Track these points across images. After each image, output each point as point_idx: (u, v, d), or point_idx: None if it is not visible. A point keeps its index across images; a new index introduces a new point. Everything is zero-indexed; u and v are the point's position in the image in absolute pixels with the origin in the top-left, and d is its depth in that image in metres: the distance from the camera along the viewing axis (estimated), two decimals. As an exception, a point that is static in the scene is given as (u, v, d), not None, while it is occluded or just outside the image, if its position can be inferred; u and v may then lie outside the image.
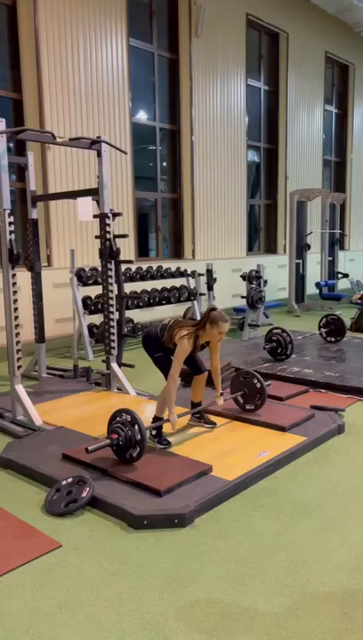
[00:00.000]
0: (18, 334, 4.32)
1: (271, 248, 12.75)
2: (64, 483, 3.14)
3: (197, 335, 3.72)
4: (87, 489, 3.06)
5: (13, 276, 4.25)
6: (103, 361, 5.28)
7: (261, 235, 12.56)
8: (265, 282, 8.81)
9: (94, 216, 4.90)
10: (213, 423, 4.12)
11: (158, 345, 3.84)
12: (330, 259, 11.63)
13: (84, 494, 3.03)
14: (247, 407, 4.30)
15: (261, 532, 2.80)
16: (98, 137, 4.85)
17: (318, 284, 10.91)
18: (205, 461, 3.40)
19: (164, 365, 3.81)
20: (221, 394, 4.11)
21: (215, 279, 8.62)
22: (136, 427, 3.28)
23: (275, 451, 3.62)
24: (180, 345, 3.65)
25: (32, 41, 7.32)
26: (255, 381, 4.25)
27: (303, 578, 2.44)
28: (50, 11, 7.37)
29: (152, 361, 3.94)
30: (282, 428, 3.97)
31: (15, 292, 4.28)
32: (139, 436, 3.26)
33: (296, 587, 2.37)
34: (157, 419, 3.79)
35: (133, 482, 3.17)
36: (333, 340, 6.93)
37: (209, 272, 8.59)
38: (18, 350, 4.32)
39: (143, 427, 3.28)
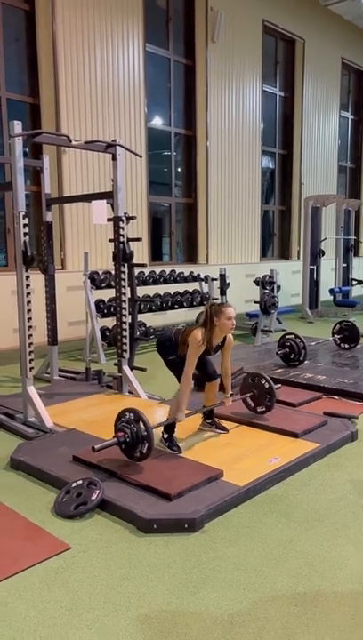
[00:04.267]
0: (31, 336, 4.33)
1: (285, 254, 12.71)
2: (74, 485, 3.13)
3: (210, 334, 3.69)
4: (97, 491, 3.04)
5: (27, 278, 4.27)
6: (115, 364, 5.28)
7: (274, 240, 12.53)
8: (278, 287, 8.76)
9: (108, 219, 4.91)
10: (225, 429, 4.08)
11: (172, 348, 3.82)
12: (344, 265, 11.55)
13: (94, 497, 3.02)
14: (259, 409, 4.28)
15: (271, 540, 2.77)
16: (113, 140, 4.87)
17: (332, 291, 10.84)
18: (216, 466, 3.37)
19: (177, 368, 3.78)
20: (231, 395, 4.09)
21: (228, 284, 8.60)
22: (141, 423, 3.29)
23: (287, 457, 3.58)
24: (191, 344, 3.62)
25: (50, 46, 7.39)
26: (263, 382, 4.24)
27: (314, 587, 2.40)
28: (67, 17, 7.44)
29: (165, 364, 3.92)
30: (294, 435, 3.93)
31: (29, 294, 4.29)
32: (145, 432, 3.27)
33: (307, 595, 2.33)
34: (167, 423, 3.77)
35: (143, 485, 3.15)
36: (346, 346, 6.86)
37: (222, 277, 8.57)
38: (30, 352, 4.33)
39: (148, 422, 3.29)
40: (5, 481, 3.45)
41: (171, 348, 3.82)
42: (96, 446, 3.26)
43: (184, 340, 3.71)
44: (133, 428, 3.30)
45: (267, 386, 4.22)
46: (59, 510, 3.01)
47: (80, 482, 3.14)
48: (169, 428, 3.75)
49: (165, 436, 3.75)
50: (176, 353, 3.79)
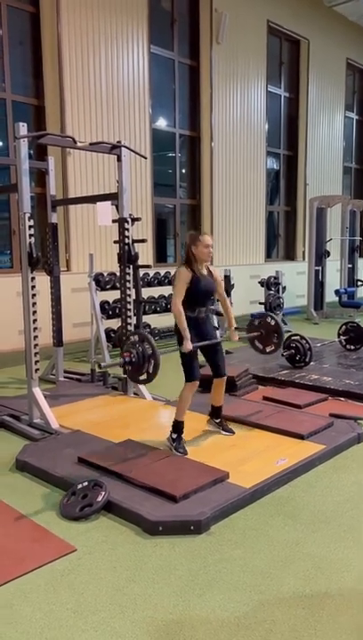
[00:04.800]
0: (36, 338, 4.33)
1: (290, 255, 12.68)
2: (80, 486, 3.12)
3: (191, 264, 3.70)
4: (103, 493, 3.04)
5: (32, 279, 4.28)
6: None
7: (279, 241, 12.50)
8: (284, 288, 8.75)
9: (113, 221, 4.91)
10: (232, 431, 4.07)
11: (188, 327, 3.72)
12: (350, 266, 11.51)
13: (100, 498, 3.01)
14: (268, 349, 4.32)
15: (278, 542, 2.75)
16: (118, 142, 4.87)
17: (337, 292, 10.80)
18: (222, 468, 3.36)
19: (187, 364, 3.71)
20: (236, 328, 4.11)
21: (233, 285, 8.58)
22: (146, 342, 3.33)
23: (293, 459, 3.56)
24: (177, 276, 3.62)
25: (54, 48, 7.41)
26: (269, 320, 4.29)
27: (322, 589, 2.38)
28: (72, 18, 7.45)
29: (180, 355, 3.80)
30: (300, 436, 3.91)
31: (34, 296, 4.30)
32: (150, 350, 3.31)
33: (314, 598, 2.32)
34: (176, 422, 3.77)
35: (148, 487, 3.14)
36: (352, 347, 6.83)
37: (227, 278, 8.56)
38: (36, 354, 4.34)
39: (153, 341, 3.33)
40: (11, 482, 3.45)
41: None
42: (103, 364, 3.35)
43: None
44: (139, 348, 3.32)
45: (273, 323, 4.27)
46: (64, 512, 3.01)
47: (86, 483, 3.14)
48: (177, 428, 3.75)
49: (174, 436, 3.74)
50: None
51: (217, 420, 4.11)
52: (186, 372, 3.75)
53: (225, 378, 4.01)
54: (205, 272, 3.78)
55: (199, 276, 3.71)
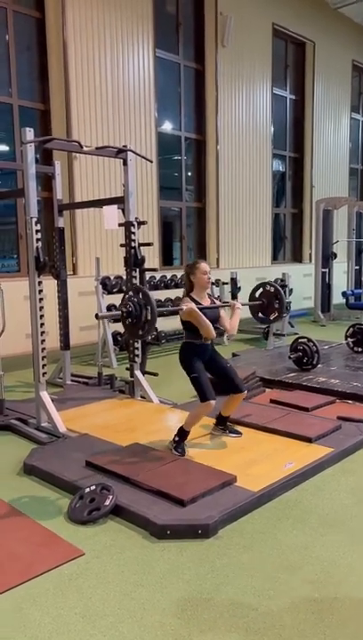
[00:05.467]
0: (43, 341, 4.35)
1: (297, 257, 12.65)
2: (87, 490, 3.12)
3: (191, 294, 3.76)
4: (110, 497, 3.04)
5: (39, 283, 4.29)
6: (127, 369, 5.28)
7: (286, 243, 12.47)
8: (290, 291, 8.73)
9: (120, 224, 4.93)
10: (239, 432, 4.06)
11: (191, 355, 3.74)
12: (357, 268, 11.47)
13: (108, 502, 3.01)
14: (272, 317, 4.30)
15: (287, 545, 2.74)
16: (124, 146, 4.89)
17: (344, 294, 10.77)
18: (229, 471, 3.34)
19: (198, 385, 3.69)
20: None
21: (239, 288, 8.57)
22: (140, 293, 3.42)
23: (301, 462, 3.55)
24: (185, 311, 3.57)
25: (60, 52, 7.44)
26: (268, 287, 4.28)
27: (331, 594, 2.36)
28: (78, 23, 7.49)
29: (190, 380, 3.78)
30: (308, 439, 3.89)
31: (41, 300, 4.31)
32: (146, 299, 3.40)
33: (324, 603, 2.30)
34: (181, 430, 3.75)
35: (156, 491, 3.14)
36: (360, 350, 6.80)
37: (233, 281, 8.55)
38: (43, 357, 4.35)
39: (148, 291, 3.40)
40: (19, 486, 3.46)
41: (191, 355, 3.74)
42: (100, 313, 3.42)
43: (183, 320, 3.69)
44: (134, 299, 3.43)
45: (272, 290, 4.26)
46: (72, 516, 3.01)
47: (93, 487, 3.14)
48: (182, 434, 3.75)
49: (176, 439, 3.74)
50: (193, 365, 3.71)
51: (222, 427, 4.09)
52: (199, 393, 3.70)
53: (245, 393, 3.96)
54: (205, 298, 3.84)
55: (203, 294, 3.80)
